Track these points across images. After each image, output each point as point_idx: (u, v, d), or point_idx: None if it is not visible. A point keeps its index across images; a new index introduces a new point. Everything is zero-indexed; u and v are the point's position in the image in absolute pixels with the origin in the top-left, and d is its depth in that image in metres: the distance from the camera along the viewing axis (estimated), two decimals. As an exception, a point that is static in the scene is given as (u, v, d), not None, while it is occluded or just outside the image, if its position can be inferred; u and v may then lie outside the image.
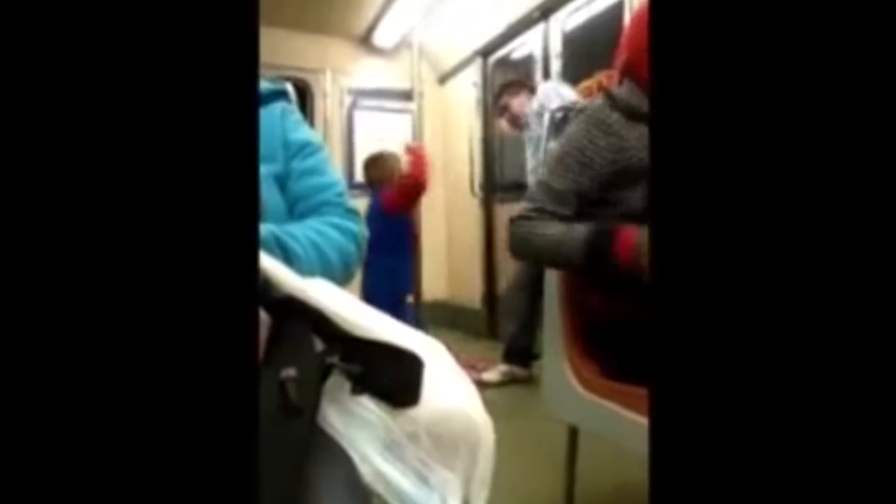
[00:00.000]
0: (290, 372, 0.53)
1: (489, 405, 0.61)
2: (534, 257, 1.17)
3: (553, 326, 1.26)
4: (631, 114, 1.10)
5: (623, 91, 1.15)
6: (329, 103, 4.17)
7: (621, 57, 1.19)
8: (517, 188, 3.41)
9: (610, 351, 1.15)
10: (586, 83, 2.87)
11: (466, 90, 4.02)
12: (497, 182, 3.89)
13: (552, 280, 1.28)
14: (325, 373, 0.57)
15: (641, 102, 1.10)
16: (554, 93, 2.71)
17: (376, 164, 2.96)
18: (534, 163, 2.75)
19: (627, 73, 1.17)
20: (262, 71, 0.77)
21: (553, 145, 2.47)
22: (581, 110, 2.36)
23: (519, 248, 1.18)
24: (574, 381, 1.19)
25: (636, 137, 1.09)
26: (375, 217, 2.62)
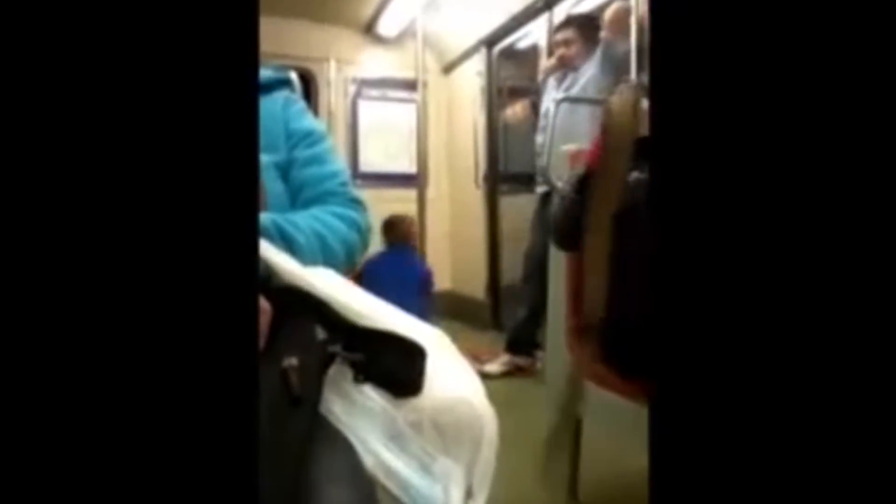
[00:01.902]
0: (292, 361, 0.53)
1: (492, 396, 0.61)
2: (562, 222, 1.11)
3: (557, 319, 1.26)
4: None
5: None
6: (333, 93, 4.15)
7: None
8: (522, 180, 3.40)
9: (614, 344, 1.15)
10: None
11: (471, 80, 4.00)
12: (501, 173, 3.88)
13: (557, 273, 1.27)
14: (328, 361, 0.57)
15: None
16: (551, 83, 2.69)
17: (395, 227, 3.04)
18: (540, 139, 2.72)
19: None
20: (267, 60, 0.76)
21: (559, 131, 2.46)
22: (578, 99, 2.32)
23: (560, 231, 1.13)
24: (578, 374, 1.19)
25: None
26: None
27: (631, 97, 0.92)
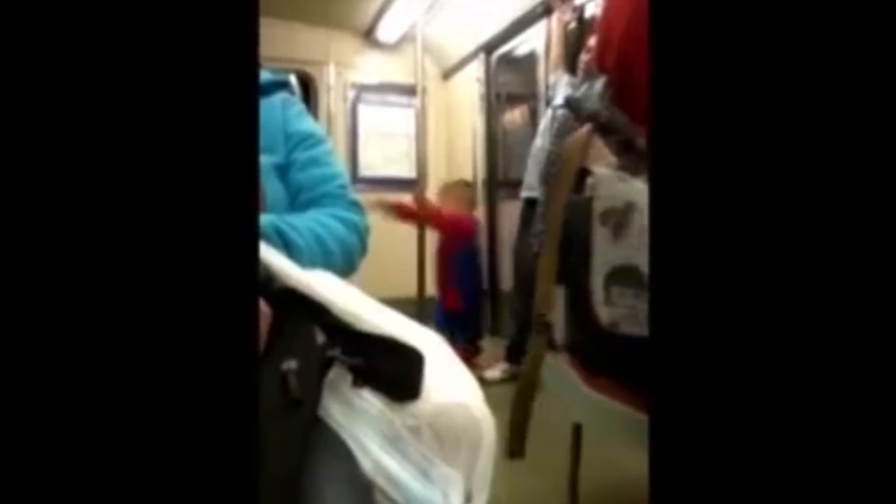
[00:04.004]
0: (291, 364, 0.53)
1: (491, 402, 0.61)
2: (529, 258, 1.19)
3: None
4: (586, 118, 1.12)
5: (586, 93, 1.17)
6: (333, 97, 4.16)
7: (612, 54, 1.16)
8: (520, 186, 3.40)
9: (612, 349, 1.15)
10: (585, 80, 2.82)
11: (470, 86, 4.01)
12: (500, 179, 3.89)
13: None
14: (327, 365, 0.57)
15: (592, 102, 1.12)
16: (562, 86, 2.68)
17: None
18: (539, 143, 2.70)
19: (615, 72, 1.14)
20: (266, 63, 0.77)
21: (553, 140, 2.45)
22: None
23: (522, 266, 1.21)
24: (577, 379, 1.18)
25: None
26: None
27: (583, 137, 1.06)
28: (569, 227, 1.01)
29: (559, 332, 1.23)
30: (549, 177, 1.16)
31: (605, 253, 0.90)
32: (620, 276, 0.88)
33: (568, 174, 1.04)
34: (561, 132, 1.97)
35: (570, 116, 2.10)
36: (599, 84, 1.13)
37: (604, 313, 0.90)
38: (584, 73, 2.47)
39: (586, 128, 1.06)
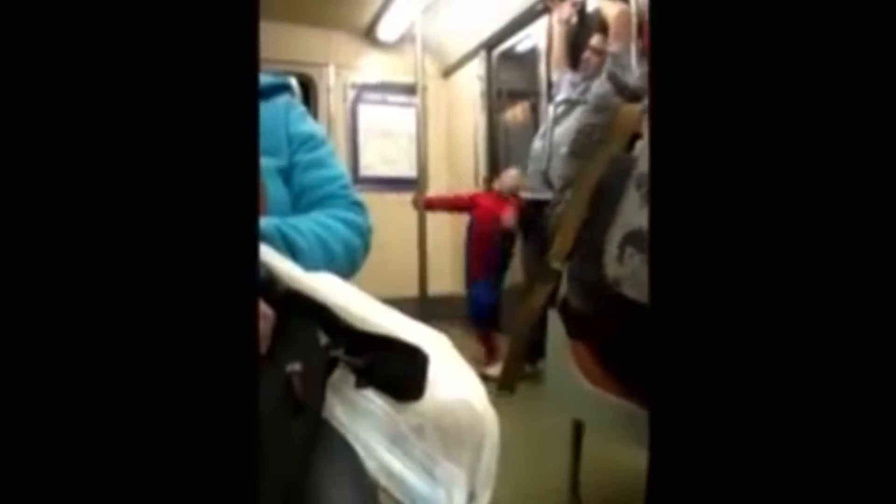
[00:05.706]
0: (295, 366, 0.53)
1: (494, 399, 0.61)
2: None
3: (557, 322, 1.26)
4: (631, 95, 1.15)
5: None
6: (333, 98, 4.16)
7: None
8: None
9: (612, 347, 1.15)
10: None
11: (471, 84, 4.01)
12: (502, 176, 3.88)
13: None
14: (331, 366, 0.57)
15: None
16: (565, 83, 2.68)
17: None
18: (539, 144, 2.70)
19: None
20: (266, 66, 0.77)
21: (558, 134, 2.46)
22: (576, 101, 2.34)
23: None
24: (579, 376, 1.19)
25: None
26: None
27: (640, 108, 1.08)
28: (605, 182, 1.04)
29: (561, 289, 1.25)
30: (582, 148, 1.18)
31: (630, 214, 0.92)
32: (637, 238, 0.90)
33: (621, 134, 1.07)
34: (599, 107, 2.00)
35: (611, 91, 2.11)
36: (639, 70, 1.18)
37: (612, 270, 0.92)
38: (584, 68, 2.47)
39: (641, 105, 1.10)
